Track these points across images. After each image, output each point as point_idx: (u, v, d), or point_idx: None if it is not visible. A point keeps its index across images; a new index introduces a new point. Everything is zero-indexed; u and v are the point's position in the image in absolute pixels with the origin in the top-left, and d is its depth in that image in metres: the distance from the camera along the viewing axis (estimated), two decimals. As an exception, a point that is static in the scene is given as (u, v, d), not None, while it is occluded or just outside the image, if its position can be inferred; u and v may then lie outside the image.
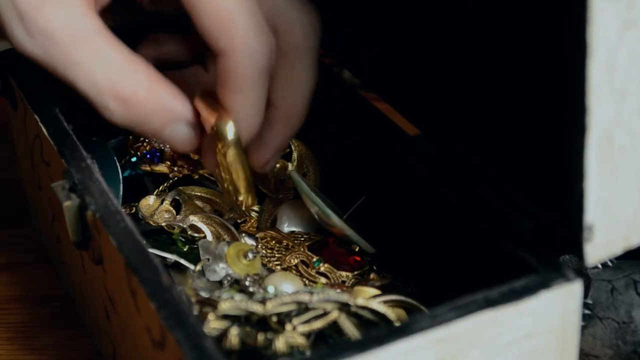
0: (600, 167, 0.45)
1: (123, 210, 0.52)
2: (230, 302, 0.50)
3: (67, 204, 0.54)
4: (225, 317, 0.50)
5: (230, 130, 0.54)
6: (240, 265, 0.59)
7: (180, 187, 0.66)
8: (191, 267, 0.59)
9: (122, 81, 0.53)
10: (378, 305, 0.51)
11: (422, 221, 0.59)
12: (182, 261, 0.59)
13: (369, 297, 0.54)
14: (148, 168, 0.68)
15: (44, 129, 0.59)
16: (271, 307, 0.50)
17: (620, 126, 0.44)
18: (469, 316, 0.45)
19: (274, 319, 0.50)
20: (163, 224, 0.63)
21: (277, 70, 0.58)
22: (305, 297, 0.50)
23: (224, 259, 0.59)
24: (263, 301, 0.50)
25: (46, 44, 0.52)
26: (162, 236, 0.63)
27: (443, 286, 0.56)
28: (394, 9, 0.63)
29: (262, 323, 0.51)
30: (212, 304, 0.50)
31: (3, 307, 0.68)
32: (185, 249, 0.62)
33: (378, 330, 0.49)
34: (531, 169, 0.52)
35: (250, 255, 0.59)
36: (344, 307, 0.51)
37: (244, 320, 0.51)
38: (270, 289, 0.54)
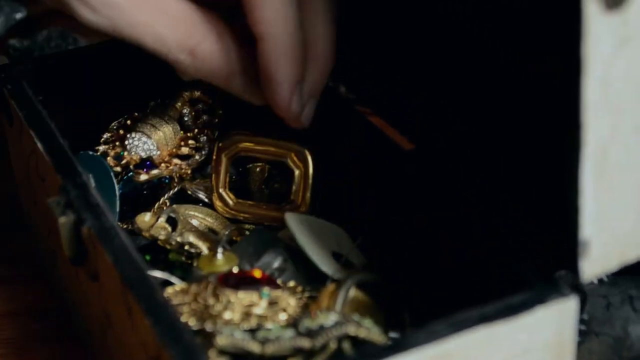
0: (595, 182, 0.45)
1: (119, 226, 0.52)
2: (228, 339, 0.50)
3: (62, 219, 0.54)
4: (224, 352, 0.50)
5: None
6: (215, 266, 0.59)
7: (175, 206, 0.66)
8: (182, 284, 0.59)
9: (187, 34, 0.56)
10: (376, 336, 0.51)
11: (417, 236, 0.59)
12: (174, 280, 0.59)
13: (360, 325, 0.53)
14: (146, 177, 0.68)
15: (39, 145, 0.59)
16: (270, 351, 0.50)
17: (615, 142, 0.44)
18: (464, 332, 0.45)
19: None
20: (161, 237, 0.63)
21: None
22: (306, 344, 0.50)
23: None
24: (263, 341, 0.50)
25: (110, 13, 0.55)
26: (158, 255, 0.63)
27: (439, 301, 0.56)
28: (388, 25, 0.63)
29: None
30: (210, 337, 0.50)
31: (-1, 321, 0.68)
32: (181, 262, 0.62)
33: (374, 347, 0.49)
34: (527, 184, 0.52)
35: (220, 251, 0.59)
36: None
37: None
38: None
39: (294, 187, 0.65)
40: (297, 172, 0.65)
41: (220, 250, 0.59)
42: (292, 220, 0.60)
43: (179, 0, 0.56)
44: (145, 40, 0.56)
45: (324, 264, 0.58)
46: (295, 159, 0.65)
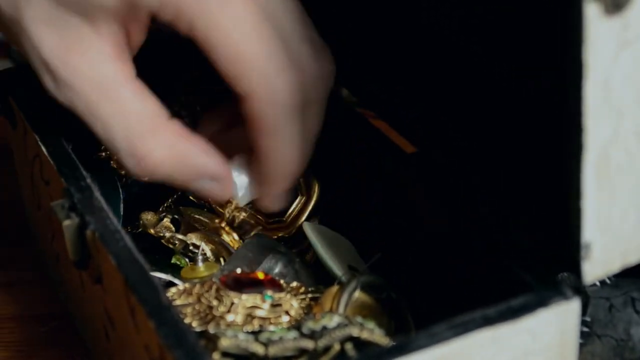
0: (597, 185, 0.45)
1: (123, 229, 0.52)
2: (231, 340, 0.50)
3: (66, 223, 0.54)
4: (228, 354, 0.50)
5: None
6: (196, 272, 0.59)
7: (181, 207, 0.66)
8: (184, 285, 0.59)
9: (140, 140, 0.53)
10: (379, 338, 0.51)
11: (419, 239, 0.59)
12: (176, 281, 0.59)
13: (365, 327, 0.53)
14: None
15: (43, 148, 0.59)
16: (273, 352, 0.50)
17: (616, 145, 0.45)
18: (467, 335, 0.45)
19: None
20: (167, 235, 0.63)
21: None
22: (309, 345, 0.50)
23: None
24: (266, 342, 0.50)
25: (69, 94, 0.53)
26: (160, 256, 0.63)
27: (441, 304, 0.56)
28: (390, 27, 0.63)
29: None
30: (213, 339, 0.50)
31: (2, 325, 0.68)
32: (183, 266, 0.62)
33: (377, 348, 0.49)
34: (528, 186, 0.52)
35: (200, 259, 0.60)
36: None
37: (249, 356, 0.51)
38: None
39: (290, 209, 0.65)
40: (299, 198, 0.65)
41: (200, 258, 0.60)
42: (310, 229, 0.61)
43: (147, 100, 0.54)
44: (97, 132, 0.54)
45: (339, 269, 0.59)
46: (303, 186, 0.65)
